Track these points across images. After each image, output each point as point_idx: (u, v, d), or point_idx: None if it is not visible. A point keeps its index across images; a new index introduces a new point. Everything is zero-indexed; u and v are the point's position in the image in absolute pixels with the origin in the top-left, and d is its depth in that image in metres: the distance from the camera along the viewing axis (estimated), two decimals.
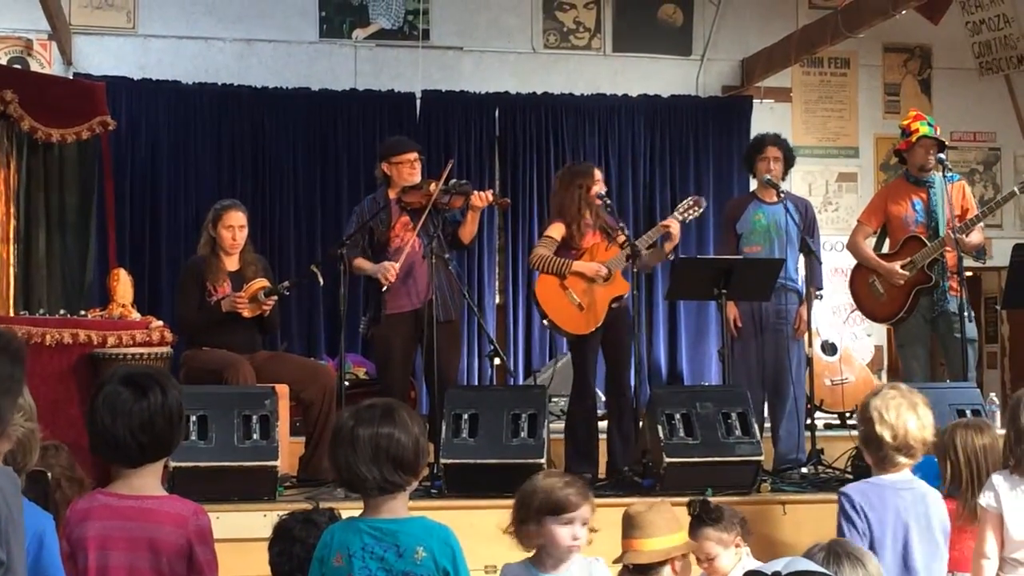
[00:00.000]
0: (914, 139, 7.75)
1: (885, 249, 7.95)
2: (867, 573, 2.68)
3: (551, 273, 7.35)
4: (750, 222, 7.79)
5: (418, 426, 3.45)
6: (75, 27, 10.26)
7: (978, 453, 4.70)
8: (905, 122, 7.96)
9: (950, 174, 7.92)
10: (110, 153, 8.73)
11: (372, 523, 3.40)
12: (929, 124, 7.77)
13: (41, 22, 9.58)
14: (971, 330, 7.60)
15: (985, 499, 4.32)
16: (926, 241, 7.61)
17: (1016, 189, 7.69)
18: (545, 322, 7.51)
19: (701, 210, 7.53)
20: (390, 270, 7.11)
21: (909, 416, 4.13)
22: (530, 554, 3.90)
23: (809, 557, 2.68)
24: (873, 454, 4.27)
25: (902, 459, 4.17)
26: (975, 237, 7.64)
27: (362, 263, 7.27)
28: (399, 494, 3.42)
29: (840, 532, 4.17)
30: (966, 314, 7.41)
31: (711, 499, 4.88)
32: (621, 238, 7.29)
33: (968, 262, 7.83)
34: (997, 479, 4.32)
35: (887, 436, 4.14)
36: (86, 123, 8.14)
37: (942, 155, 7.66)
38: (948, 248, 7.51)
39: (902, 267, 7.66)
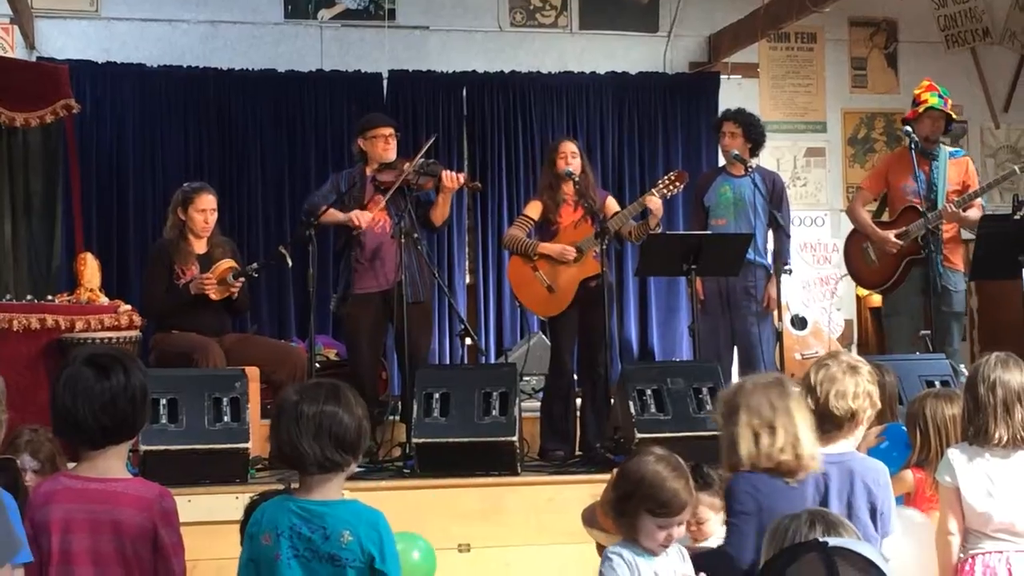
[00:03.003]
0: (921, 109, 7.75)
1: (885, 217, 7.97)
2: (856, 536, 2.65)
3: (520, 254, 7.37)
4: (716, 195, 7.81)
5: (362, 408, 3.44)
6: (37, 10, 10.13)
7: (947, 423, 4.71)
8: (917, 91, 7.93)
9: (954, 149, 7.95)
10: (75, 137, 8.67)
11: (302, 503, 3.39)
12: (940, 96, 7.76)
13: (2, 5, 9.46)
14: (960, 303, 7.65)
15: (941, 475, 4.31)
16: (923, 212, 7.61)
17: (1017, 168, 7.72)
18: (518, 304, 7.55)
19: (683, 185, 7.49)
20: (362, 216, 7.11)
21: (836, 384, 4.01)
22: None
23: (794, 530, 2.62)
24: None
25: (828, 428, 4.02)
26: (972, 213, 7.66)
27: (333, 212, 7.25)
28: (336, 475, 3.41)
29: None
30: (950, 287, 7.49)
31: None
32: (592, 223, 7.29)
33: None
34: (953, 453, 4.29)
35: (809, 403, 4.01)
36: (50, 107, 8.06)
37: (908, 128, 7.69)
38: (944, 221, 7.54)
39: (896, 236, 7.68)
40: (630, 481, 3.62)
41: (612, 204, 7.58)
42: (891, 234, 7.71)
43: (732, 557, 3.67)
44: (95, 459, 3.40)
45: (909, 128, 7.67)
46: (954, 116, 7.95)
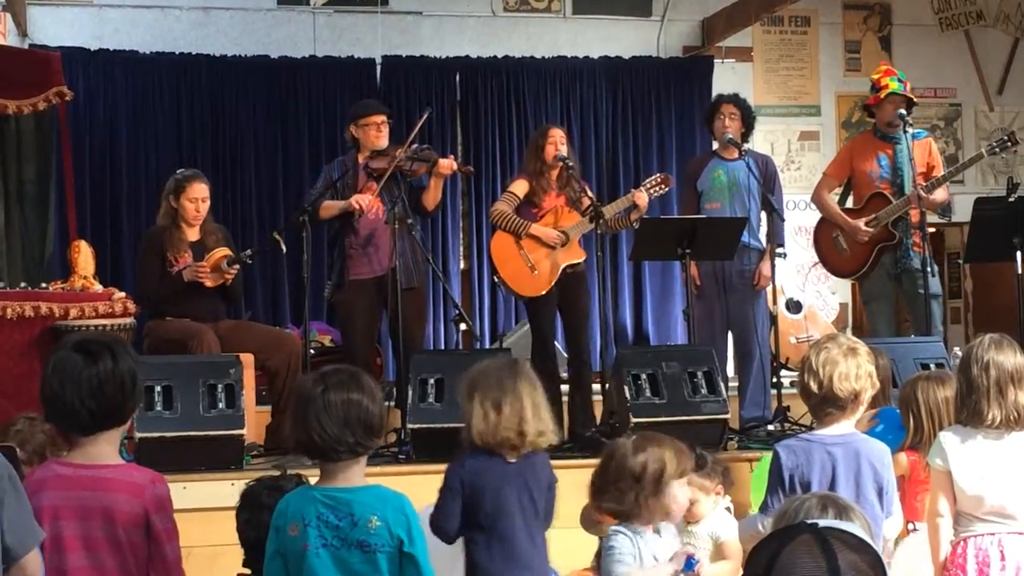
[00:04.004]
0: (883, 95, 7.75)
1: (850, 204, 7.96)
2: (864, 520, 2.65)
3: (508, 231, 7.38)
4: (710, 179, 7.80)
5: (380, 392, 3.51)
6: None
7: (940, 405, 4.73)
8: (875, 76, 7.93)
9: (917, 130, 7.93)
10: (68, 124, 8.63)
11: (327, 491, 3.41)
12: (899, 80, 7.76)
13: None
14: (935, 285, 7.64)
15: (933, 458, 4.31)
16: (891, 198, 7.63)
17: (984, 151, 7.72)
18: (496, 278, 7.56)
19: (668, 188, 7.63)
20: (362, 199, 7.10)
21: (838, 366, 4.06)
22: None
23: (805, 513, 2.60)
24: (807, 405, 4.26)
25: (831, 410, 4.11)
26: (939, 195, 7.67)
27: (330, 203, 7.22)
28: (360, 460, 3.46)
29: (769, 487, 4.17)
30: (929, 270, 7.45)
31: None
32: (585, 202, 7.31)
33: (931, 218, 7.86)
34: (945, 436, 4.29)
35: (812, 386, 4.09)
36: (42, 94, 8.00)
37: (902, 111, 7.68)
38: (912, 205, 7.53)
39: (866, 224, 7.68)
40: (606, 454, 3.75)
41: (588, 193, 7.61)
42: (861, 222, 7.71)
43: (439, 526, 4.00)
44: (86, 445, 3.39)
45: (903, 111, 7.66)
46: (915, 100, 7.96)
